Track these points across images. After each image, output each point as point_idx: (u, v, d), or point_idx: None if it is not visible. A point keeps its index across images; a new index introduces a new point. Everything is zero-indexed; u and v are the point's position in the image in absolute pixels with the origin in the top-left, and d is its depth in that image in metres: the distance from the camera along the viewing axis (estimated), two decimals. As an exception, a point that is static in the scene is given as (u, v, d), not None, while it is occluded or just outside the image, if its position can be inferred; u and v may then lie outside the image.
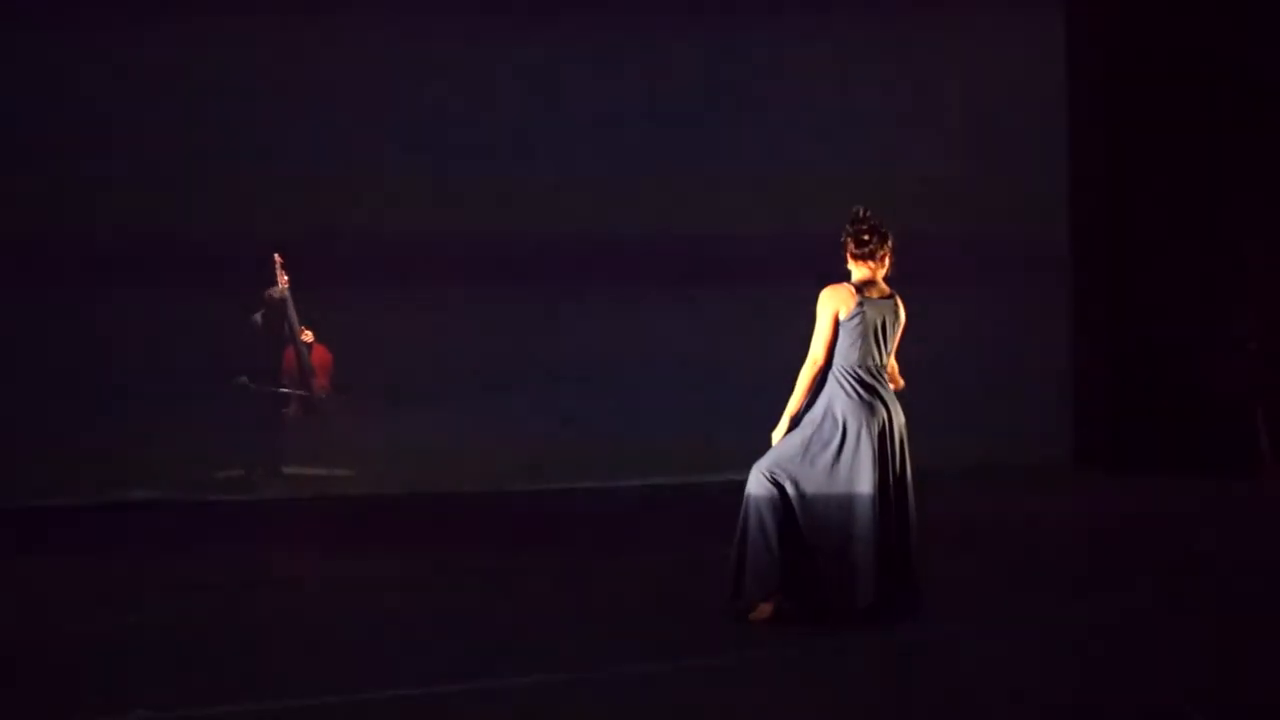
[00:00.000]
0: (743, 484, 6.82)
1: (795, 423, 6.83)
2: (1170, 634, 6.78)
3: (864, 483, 6.68)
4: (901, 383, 6.96)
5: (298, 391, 11.69)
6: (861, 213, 6.90)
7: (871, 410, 6.76)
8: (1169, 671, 6.08)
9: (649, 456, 11.99)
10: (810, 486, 6.72)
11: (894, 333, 6.88)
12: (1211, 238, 12.53)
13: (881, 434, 6.74)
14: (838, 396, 6.79)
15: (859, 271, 6.88)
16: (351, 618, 7.13)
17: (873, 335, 6.81)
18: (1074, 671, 6.15)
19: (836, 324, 6.80)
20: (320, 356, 11.79)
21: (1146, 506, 10.96)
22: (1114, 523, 10.32)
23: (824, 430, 6.77)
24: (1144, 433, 12.67)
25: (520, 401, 11.92)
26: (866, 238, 6.85)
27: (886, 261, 6.87)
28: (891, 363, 6.93)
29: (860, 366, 6.79)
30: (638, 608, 7.26)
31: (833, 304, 6.81)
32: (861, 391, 6.78)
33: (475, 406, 11.71)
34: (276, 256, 11.52)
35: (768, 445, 6.87)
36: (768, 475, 6.75)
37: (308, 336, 11.70)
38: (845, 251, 6.90)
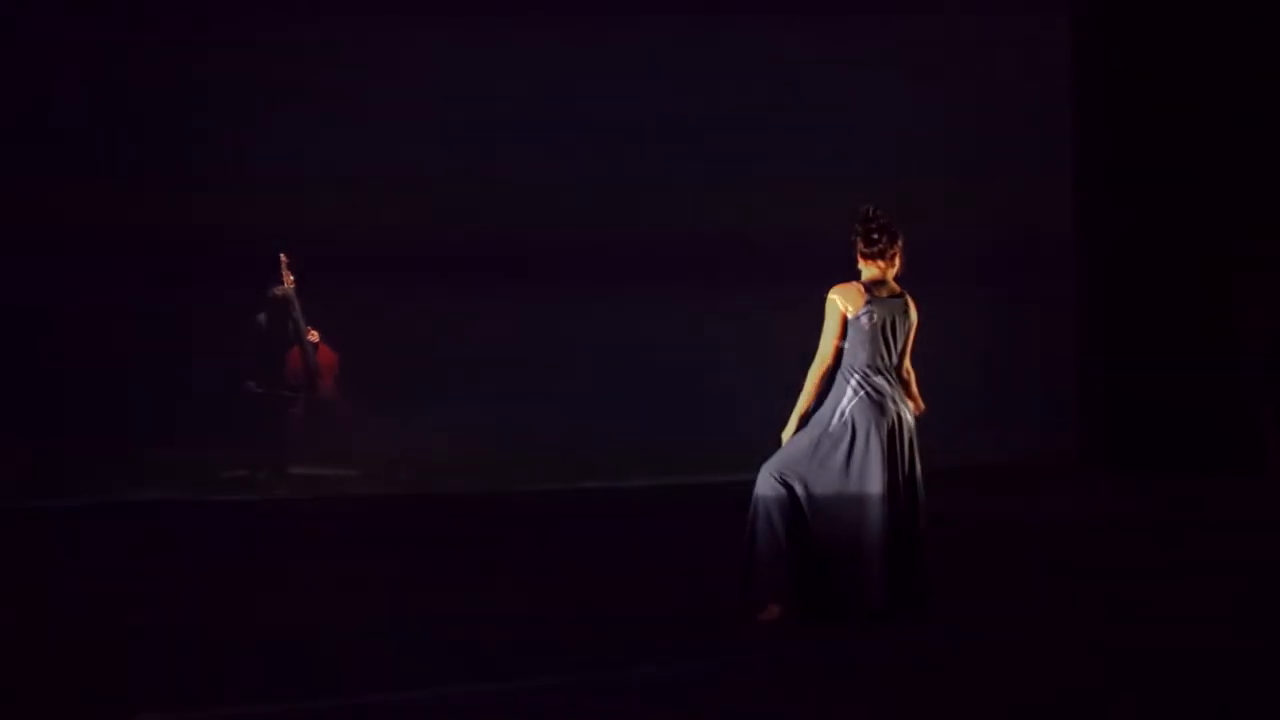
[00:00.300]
0: (751, 484, 6.79)
1: (804, 423, 6.79)
2: (1178, 635, 6.74)
3: (874, 483, 6.63)
4: (923, 406, 6.90)
5: (303, 393, 11.64)
6: (871, 211, 6.85)
7: (881, 410, 6.71)
8: (1179, 673, 6.05)
9: (654, 457, 11.97)
10: (819, 487, 6.68)
11: (905, 333, 6.82)
12: (1217, 235, 12.50)
13: (891, 434, 6.69)
14: (847, 396, 6.75)
15: (868, 271, 6.83)
16: (355, 618, 7.09)
17: (882, 335, 6.76)
18: (1085, 672, 6.11)
19: (845, 323, 6.76)
20: (326, 356, 11.76)
21: (1152, 505, 10.93)
22: (1119, 522, 10.28)
23: (833, 431, 6.73)
24: (1149, 431, 12.65)
25: (526, 402, 11.89)
26: (876, 236, 6.80)
27: (897, 261, 6.83)
28: (909, 369, 6.86)
29: (869, 366, 6.74)
30: (643, 609, 7.22)
31: (841, 303, 6.76)
32: (871, 391, 6.73)
33: (480, 407, 11.69)
34: (282, 256, 11.48)
35: (776, 445, 6.84)
36: (776, 476, 6.71)
37: (313, 336, 11.66)
38: (855, 250, 6.85)
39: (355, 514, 11.00)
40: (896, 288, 6.84)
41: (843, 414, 6.73)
